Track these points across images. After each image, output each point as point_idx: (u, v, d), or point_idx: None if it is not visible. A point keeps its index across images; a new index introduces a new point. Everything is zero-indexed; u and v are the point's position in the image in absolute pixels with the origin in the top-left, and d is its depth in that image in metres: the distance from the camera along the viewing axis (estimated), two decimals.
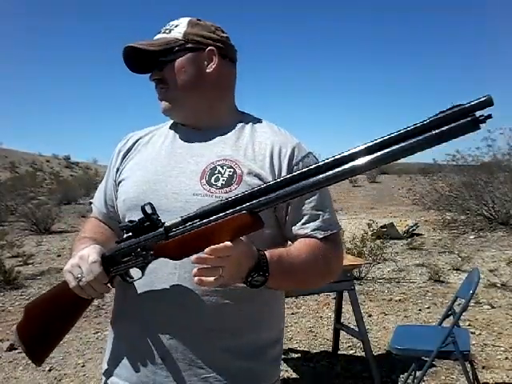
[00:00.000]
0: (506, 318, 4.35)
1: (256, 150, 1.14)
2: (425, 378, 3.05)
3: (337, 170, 0.86)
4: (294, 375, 3.37)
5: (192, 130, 1.21)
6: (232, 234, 0.91)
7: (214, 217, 0.93)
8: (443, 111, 0.79)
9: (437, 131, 0.79)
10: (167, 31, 1.18)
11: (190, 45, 1.16)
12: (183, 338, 1.07)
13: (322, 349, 3.83)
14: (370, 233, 7.20)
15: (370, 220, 8.01)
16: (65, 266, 1.06)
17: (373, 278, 5.86)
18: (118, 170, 1.24)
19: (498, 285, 5.30)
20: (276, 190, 0.90)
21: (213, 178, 1.09)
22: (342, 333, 3.73)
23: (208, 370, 1.07)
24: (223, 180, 1.09)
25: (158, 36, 1.18)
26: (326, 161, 0.88)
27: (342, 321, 3.71)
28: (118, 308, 1.21)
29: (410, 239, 8.05)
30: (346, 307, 3.77)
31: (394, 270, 6.23)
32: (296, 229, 1.12)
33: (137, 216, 1.07)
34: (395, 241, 8.01)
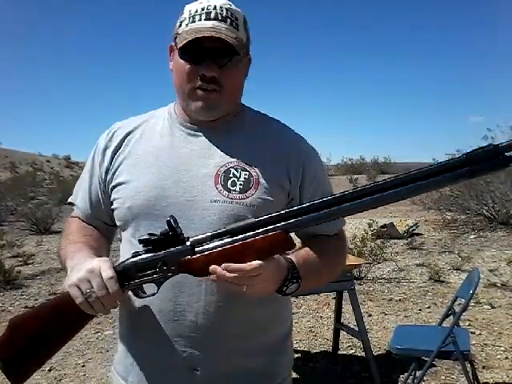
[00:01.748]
0: (506, 318, 4.35)
1: (269, 150, 1.11)
2: (425, 378, 3.05)
3: (370, 197, 0.88)
4: (294, 375, 3.37)
5: (193, 127, 1.13)
6: (264, 253, 0.90)
7: (248, 234, 0.91)
8: (476, 149, 0.84)
9: (468, 168, 0.84)
10: (234, 24, 1.05)
11: (246, 49, 1.10)
12: (210, 350, 1.05)
13: (322, 349, 3.83)
14: (370, 233, 7.20)
15: (370, 220, 8.00)
16: (67, 278, 0.97)
17: (373, 277, 5.86)
18: (107, 170, 1.14)
19: (498, 285, 5.30)
20: (308, 213, 0.90)
21: (229, 183, 1.04)
22: (342, 333, 3.73)
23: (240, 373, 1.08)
24: (240, 184, 1.04)
25: (224, 26, 1.03)
26: (363, 187, 0.89)
27: (342, 321, 3.71)
28: (131, 323, 1.13)
29: (410, 239, 8.05)
30: (346, 307, 3.77)
31: (394, 270, 6.23)
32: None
33: (146, 225, 1.04)
34: (395, 241, 8.00)
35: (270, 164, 1.09)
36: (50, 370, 3.49)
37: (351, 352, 3.74)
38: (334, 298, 3.99)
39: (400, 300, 5.00)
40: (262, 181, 1.06)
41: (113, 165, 1.13)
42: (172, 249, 0.95)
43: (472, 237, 8.36)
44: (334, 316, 3.78)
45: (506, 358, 3.53)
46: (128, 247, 1.09)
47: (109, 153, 1.14)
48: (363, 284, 5.58)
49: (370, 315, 4.51)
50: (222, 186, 1.04)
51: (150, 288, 1.00)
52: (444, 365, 3.36)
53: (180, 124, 1.14)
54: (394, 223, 8.59)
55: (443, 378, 3.24)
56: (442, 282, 5.59)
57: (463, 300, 2.76)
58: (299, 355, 3.71)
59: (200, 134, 1.12)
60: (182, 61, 1.05)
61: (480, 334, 3.98)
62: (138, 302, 1.07)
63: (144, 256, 0.97)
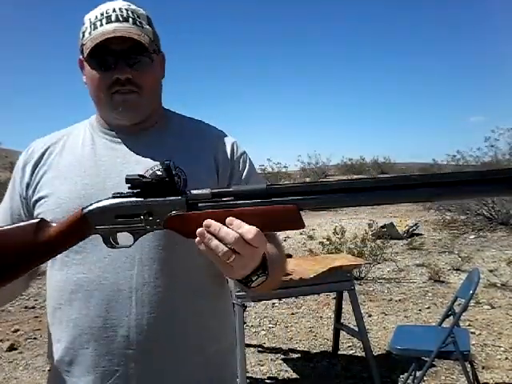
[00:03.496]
0: (506, 318, 4.35)
1: (195, 150, 1.08)
2: (425, 378, 3.06)
3: (397, 191, 0.76)
4: (294, 375, 3.38)
5: (116, 134, 1.09)
6: (269, 225, 0.78)
7: (256, 200, 0.78)
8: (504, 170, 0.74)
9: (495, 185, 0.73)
10: (137, 23, 1.04)
11: (156, 46, 1.08)
12: (146, 366, 0.99)
13: (322, 349, 3.83)
14: (370, 233, 7.20)
15: (371, 220, 8.01)
16: None
17: (373, 278, 5.86)
18: (28, 185, 1.08)
19: (498, 285, 5.30)
20: (328, 193, 0.77)
21: None
22: (342, 333, 3.73)
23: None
24: None
25: (127, 26, 1.02)
26: (395, 176, 0.78)
27: (341, 321, 3.71)
28: (62, 349, 1.05)
29: (410, 239, 8.05)
30: (346, 307, 3.77)
31: (394, 270, 6.23)
32: None
33: None
34: (395, 241, 8.00)
35: (197, 164, 1.06)
36: (50, 370, 3.49)
37: (351, 352, 3.74)
38: (334, 298, 3.99)
39: (400, 300, 5.00)
40: (191, 181, 1.02)
41: (33, 180, 1.08)
42: (163, 198, 0.82)
43: (472, 237, 8.36)
44: (333, 316, 3.78)
45: (506, 358, 3.53)
46: (56, 267, 1.05)
47: (28, 168, 1.09)
48: (363, 284, 5.58)
49: (370, 315, 4.51)
50: None
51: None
52: (444, 365, 3.36)
53: (102, 132, 1.11)
54: (394, 223, 8.60)
55: (443, 378, 3.24)
56: (442, 282, 5.59)
57: (463, 300, 2.76)
58: (299, 355, 3.71)
59: (123, 139, 1.09)
60: (93, 70, 1.02)
61: (480, 335, 3.98)
62: (66, 322, 1.02)
63: (128, 200, 0.83)
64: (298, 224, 0.78)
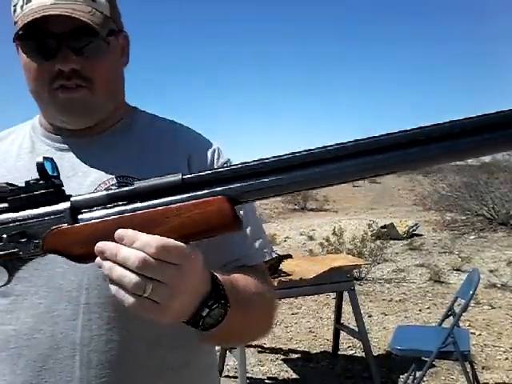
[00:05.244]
0: (506, 319, 4.35)
1: (164, 152, 0.86)
2: (425, 378, 3.05)
3: (385, 155, 0.51)
4: (294, 375, 3.38)
5: (61, 139, 0.86)
6: (191, 231, 0.55)
7: (167, 199, 0.56)
8: None
9: None
10: None
11: (115, 26, 0.83)
12: None
13: (322, 349, 3.83)
14: (370, 233, 7.21)
15: (370, 220, 8.02)
16: None
17: (373, 278, 5.86)
18: None
19: (498, 285, 5.30)
20: (269, 175, 0.53)
21: None
22: (342, 333, 3.73)
23: None
24: None
25: (71, 1, 0.76)
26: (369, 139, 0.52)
27: (341, 321, 3.71)
28: None
29: (410, 240, 8.05)
30: (346, 307, 3.77)
31: (394, 271, 6.23)
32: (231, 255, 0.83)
33: None
34: (395, 241, 8.00)
35: (164, 169, 0.73)
36: None
37: (351, 352, 3.74)
38: (334, 299, 3.99)
39: (400, 300, 5.00)
40: None
41: None
42: (39, 210, 0.60)
43: (472, 237, 8.36)
44: (333, 316, 3.78)
45: (506, 358, 3.53)
46: None
47: None
48: (363, 284, 5.58)
49: (370, 316, 4.51)
50: None
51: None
52: (444, 365, 3.36)
53: (44, 136, 0.88)
54: (394, 224, 8.60)
55: (443, 378, 3.24)
56: (442, 282, 5.59)
57: (463, 300, 2.76)
58: (299, 356, 3.71)
59: (72, 145, 0.86)
60: (27, 58, 0.79)
61: (480, 335, 3.98)
62: None
63: None
64: (233, 224, 0.55)
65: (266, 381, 3.33)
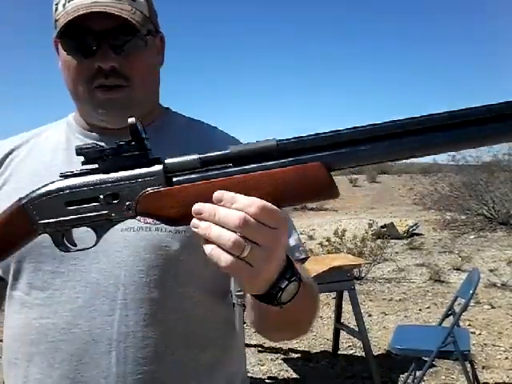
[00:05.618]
0: (506, 318, 4.35)
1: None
2: (425, 378, 3.05)
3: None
4: (294, 375, 3.38)
5: (97, 136, 0.86)
6: (288, 195, 0.54)
7: (262, 164, 0.55)
8: None
9: None
10: None
11: (152, 26, 0.84)
12: None
13: (322, 349, 3.83)
14: (370, 233, 7.20)
15: (371, 220, 8.01)
16: None
17: (373, 277, 5.86)
18: None
19: (498, 285, 5.30)
20: (365, 143, 0.53)
21: None
22: (342, 333, 3.73)
23: None
24: None
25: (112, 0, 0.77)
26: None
27: (342, 321, 3.71)
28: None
29: (410, 239, 8.06)
30: (346, 307, 3.77)
31: (394, 270, 6.23)
32: None
33: (30, 271, 0.77)
34: (395, 241, 8.00)
35: None
36: None
37: (351, 352, 3.74)
38: (334, 298, 3.99)
39: (400, 300, 5.00)
40: None
41: None
42: (131, 171, 0.58)
43: (472, 237, 8.36)
44: (334, 316, 3.78)
45: (506, 358, 3.53)
46: (15, 307, 0.82)
47: None
48: (363, 284, 5.58)
49: (370, 315, 4.51)
50: None
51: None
52: (444, 365, 3.36)
53: (81, 134, 0.88)
54: (394, 223, 8.61)
55: (443, 378, 3.24)
56: (442, 282, 5.59)
57: (463, 300, 2.76)
58: (299, 355, 3.71)
59: (108, 143, 0.80)
60: (68, 56, 0.79)
61: (480, 334, 3.98)
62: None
63: (81, 179, 0.59)
64: (330, 190, 0.54)
65: (266, 380, 3.33)
